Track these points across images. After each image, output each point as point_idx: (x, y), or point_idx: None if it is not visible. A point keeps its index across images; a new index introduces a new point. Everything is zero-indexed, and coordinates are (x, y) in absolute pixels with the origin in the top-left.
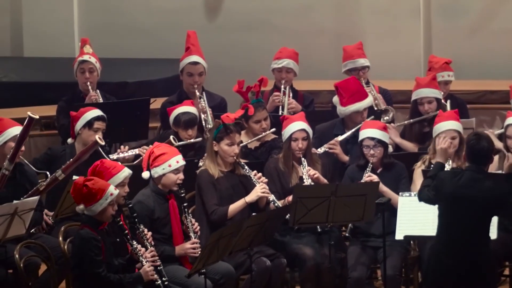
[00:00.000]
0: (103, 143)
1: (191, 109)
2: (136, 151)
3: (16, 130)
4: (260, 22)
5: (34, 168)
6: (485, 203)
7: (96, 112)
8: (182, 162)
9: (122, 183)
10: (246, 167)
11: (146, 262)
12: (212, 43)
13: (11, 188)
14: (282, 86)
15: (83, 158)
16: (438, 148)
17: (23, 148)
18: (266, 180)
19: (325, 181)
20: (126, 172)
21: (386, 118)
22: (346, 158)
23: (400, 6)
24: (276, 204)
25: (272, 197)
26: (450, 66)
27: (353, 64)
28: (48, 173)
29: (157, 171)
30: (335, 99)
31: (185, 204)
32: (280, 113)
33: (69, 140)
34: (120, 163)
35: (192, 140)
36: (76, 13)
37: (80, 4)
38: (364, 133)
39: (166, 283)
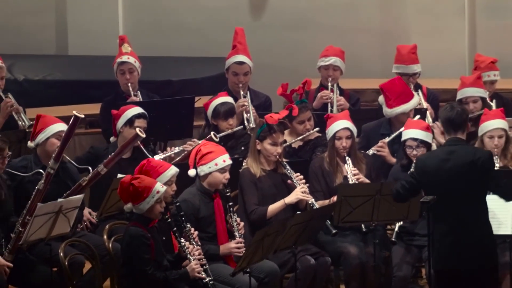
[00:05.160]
0: (143, 135)
1: (228, 99)
2: (181, 147)
3: (59, 126)
4: (305, 20)
5: (76, 165)
6: (466, 168)
7: (137, 110)
8: (228, 162)
9: (170, 181)
10: (288, 167)
11: (193, 259)
12: (257, 42)
13: (54, 185)
14: (329, 84)
15: (124, 151)
16: None
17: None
18: (307, 184)
19: (367, 181)
20: (173, 170)
21: None
22: (393, 160)
23: (445, 5)
24: (315, 208)
25: (311, 200)
26: (496, 65)
27: (405, 69)
28: (90, 168)
29: (203, 170)
30: (381, 99)
31: (230, 203)
32: (329, 111)
33: (112, 139)
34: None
35: (234, 129)
36: (120, 11)
37: (125, 2)
38: (407, 134)
39: (211, 282)
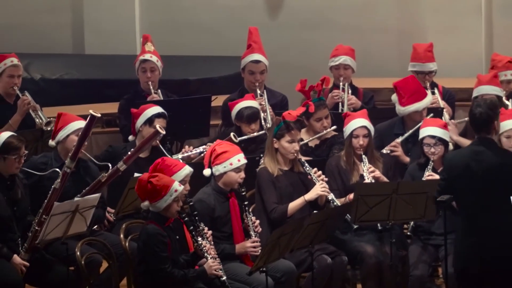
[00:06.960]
0: (163, 132)
1: (253, 103)
2: (201, 148)
3: (79, 124)
4: (321, 19)
5: (96, 162)
6: (490, 176)
7: (157, 109)
8: (243, 161)
9: (183, 181)
10: (306, 164)
11: (210, 257)
12: (274, 41)
13: (73, 183)
14: (341, 83)
15: (144, 148)
16: None
17: (85, 143)
18: (327, 179)
19: (385, 179)
20: (187, 170)
21: None
22: (407, 159)
23: (462, 4)
24: (335, 204)
25: (331, 196)
26: None
27: (421, 67)
28: (110, 165)
29: (218, 169)
30: (394, 97)
31: (245, 203)
32: (340, 110)
33: (130, 138)
34: (181, 161)
35: (255, 134)
36: (137, 10)
37: (141, 1)
38: (425, 131)
39: (224, 279)
